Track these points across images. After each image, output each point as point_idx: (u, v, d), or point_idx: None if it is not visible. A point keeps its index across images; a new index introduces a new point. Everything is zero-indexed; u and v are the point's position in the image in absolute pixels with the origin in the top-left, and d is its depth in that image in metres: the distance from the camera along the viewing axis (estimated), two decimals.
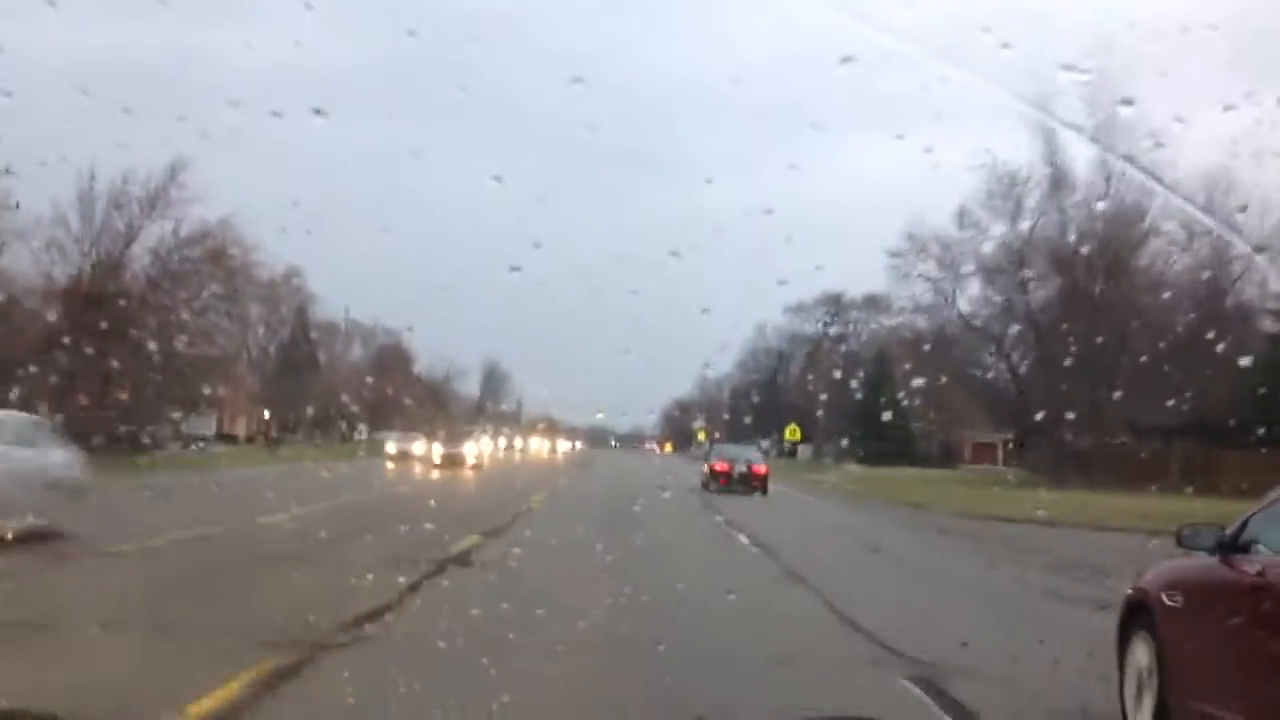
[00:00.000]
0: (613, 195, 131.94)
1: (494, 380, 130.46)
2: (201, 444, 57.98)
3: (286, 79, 66.38)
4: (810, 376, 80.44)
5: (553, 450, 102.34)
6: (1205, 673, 6.93)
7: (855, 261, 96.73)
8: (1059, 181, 54.40)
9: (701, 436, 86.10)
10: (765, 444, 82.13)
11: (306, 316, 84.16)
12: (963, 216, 58.22)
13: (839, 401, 73.75)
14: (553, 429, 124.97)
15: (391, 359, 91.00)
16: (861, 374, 76.67)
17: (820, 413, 74.46)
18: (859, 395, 73.93)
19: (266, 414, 74.07)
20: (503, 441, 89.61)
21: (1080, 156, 53.65)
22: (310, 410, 77.23)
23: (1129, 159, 53.59)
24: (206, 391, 51.96)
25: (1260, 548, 6.88)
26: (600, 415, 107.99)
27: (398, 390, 78.71)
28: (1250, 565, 6.79)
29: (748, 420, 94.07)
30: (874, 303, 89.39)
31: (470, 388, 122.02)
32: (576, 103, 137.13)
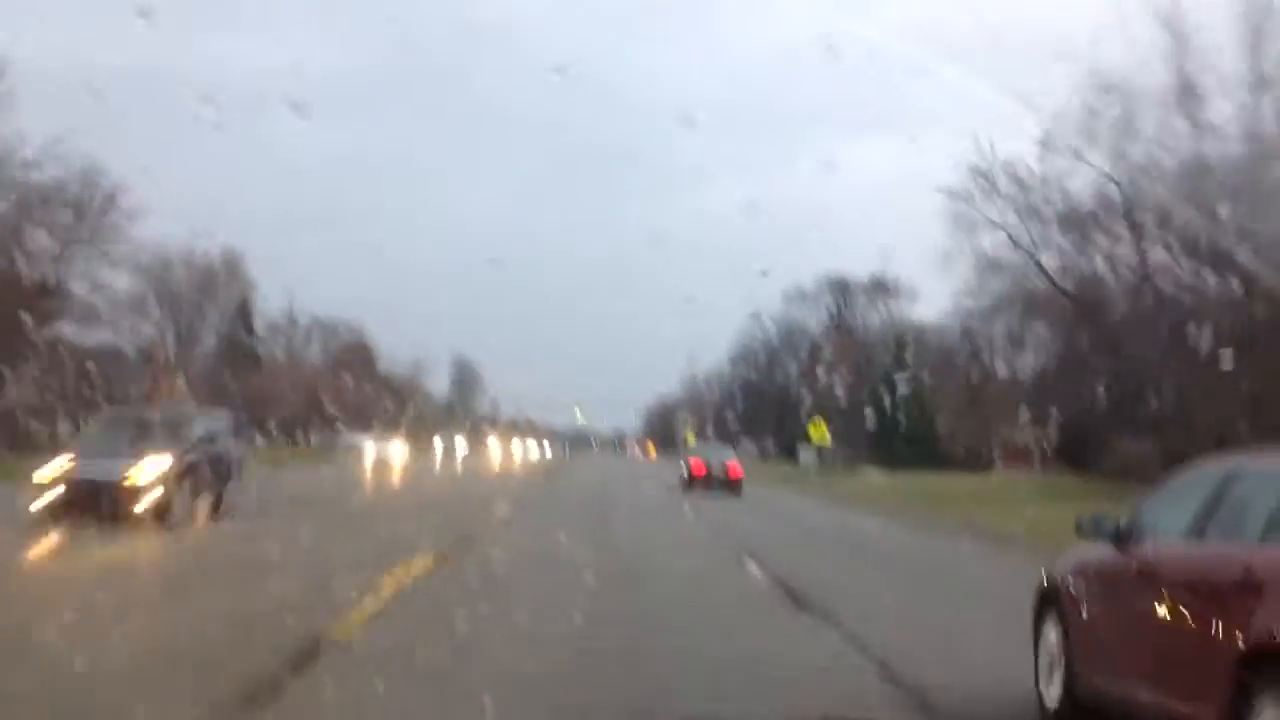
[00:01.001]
0: (599, 195, 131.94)
1: (464, 378, 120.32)
2: None
3: (275, 85, 68.55)
4: (816, 369, 71.78)
5: (512, 457, 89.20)
6: (1101, 649, 7.79)
7: (845, 259, 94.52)
8: (1188, 92, 36.93)
9: (690, 439, 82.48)
10: (751, 446, 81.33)
11: (249, 308, 77.13)
12: (1046, 145, 42.49)
13: (850, 398, 63.19)
14: (528, 429, 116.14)
15: (352, 356, 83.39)
16: (870, 363, 71.09)
17: (808, 408, 63.95)
18: (877, 391, 64.41)
19: None
20: (461, 445, 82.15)
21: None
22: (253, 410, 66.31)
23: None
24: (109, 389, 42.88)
25: (1148, 536, 7.74)
26: (580, 416, 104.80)
27: (357, 388, 71.07)
28: (1137, 552, 7.64)
29: (735, 419, 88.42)
30: (882, 287, 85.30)
31: (440, 385, 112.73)
32: (564, 103, 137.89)
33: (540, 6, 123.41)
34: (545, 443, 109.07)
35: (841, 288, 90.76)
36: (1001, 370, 60.80)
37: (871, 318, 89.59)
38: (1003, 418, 55.17)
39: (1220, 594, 6.45)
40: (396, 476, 47.80)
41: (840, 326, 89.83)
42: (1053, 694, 8.31)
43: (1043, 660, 8.55)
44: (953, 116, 67.90)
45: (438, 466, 65.51)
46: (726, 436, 79.21)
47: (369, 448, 62.21)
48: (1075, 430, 44.30)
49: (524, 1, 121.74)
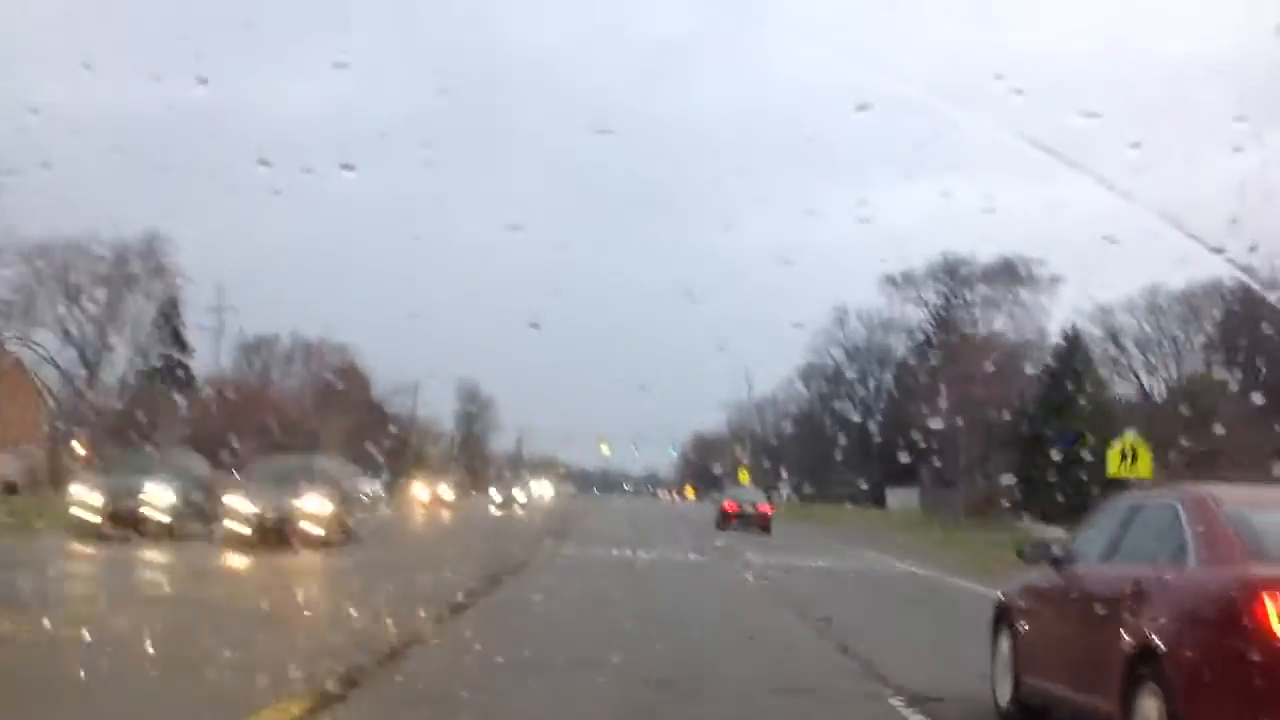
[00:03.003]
0: (631, 239, 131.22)
1: (473, 409, 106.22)
2: None
3: (316, 134, 69.48)
4: (929, 380, 56.28)
5: (507, 502, 65.20)
6: (1040, 654, 9.23)
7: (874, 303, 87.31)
8: None
9: (744, 477, 72.92)
10: (786, 490, 78.25)
11: (176, 313, 63.29)
12: None
13: (978, 418, 50.77)
14: (553, 470, 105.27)
15: (344, 382, 69.44)
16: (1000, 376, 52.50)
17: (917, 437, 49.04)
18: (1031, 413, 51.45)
19: (78, 447, 51.71)
20: (445, 490, 63.60)
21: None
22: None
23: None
24: None
25: (1079, 559, 9.17)
26: (606, 449, 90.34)
27: (335, 418, 59.33)
28: (1067, 572, 9.08)
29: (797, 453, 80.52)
30: (1011, 272, 68.72)
31: (442, 415, 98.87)
32: (597, 149, 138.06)
33: (582, 61, 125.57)
34: (545, 486, 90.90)
35: (950, 273, 74.75)
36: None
37: (993, 317, 71.30)
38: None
39: (1117, 605, 7.88)
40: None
41: (948, 324, 72.73)
42: (1003, 694, 9.73)
43: (997, 665, 9.98)
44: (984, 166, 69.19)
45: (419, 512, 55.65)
46: (776, 476, 77.03)
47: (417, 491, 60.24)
48: None
49: (564, 52, 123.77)
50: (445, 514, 51.87)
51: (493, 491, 70.71)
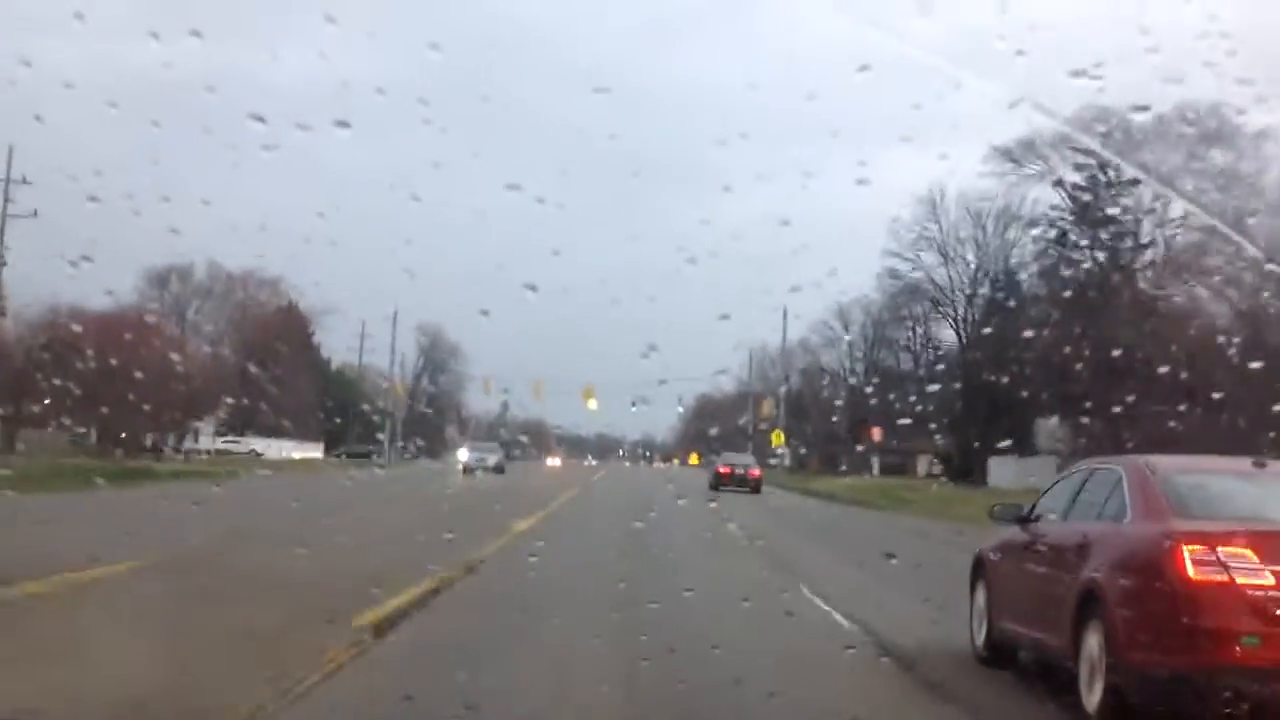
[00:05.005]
0: (629, 202, 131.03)
1: (437, 356, 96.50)
2: None
3: (311, 94, 69.60)
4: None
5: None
6: (1009, 601, 10.62)
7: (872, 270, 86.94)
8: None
9: (777, 440, 69.23)
10: (782, 451, 72.25)
11: None
12: None
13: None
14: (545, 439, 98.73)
15: (278, 327, 58.76)
16: None
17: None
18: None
19: None
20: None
21: None
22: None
23: (1144, 168, 45.55)
24: None
25: (1042, 517, 10.56)
26: (593, 405, 77.02)
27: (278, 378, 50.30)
28: (1033, 529, 10.48)
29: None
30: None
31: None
32: (594, 111, 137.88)
33: (579, 21, 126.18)
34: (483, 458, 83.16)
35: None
36: None
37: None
38: None
39: (1069, 556, 9.28)
40: None
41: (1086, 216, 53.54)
42: (980, 638, 11.14)
43: (975, 613, 11.37)
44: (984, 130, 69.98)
45: None
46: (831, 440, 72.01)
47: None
48: None
49: (564, 17, 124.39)
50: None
51: (462, 452, 64.06)
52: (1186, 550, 7.92)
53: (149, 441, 47.00)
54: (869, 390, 72.48)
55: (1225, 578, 7.78)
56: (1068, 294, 49.47)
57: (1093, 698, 8.39)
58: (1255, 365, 29.53)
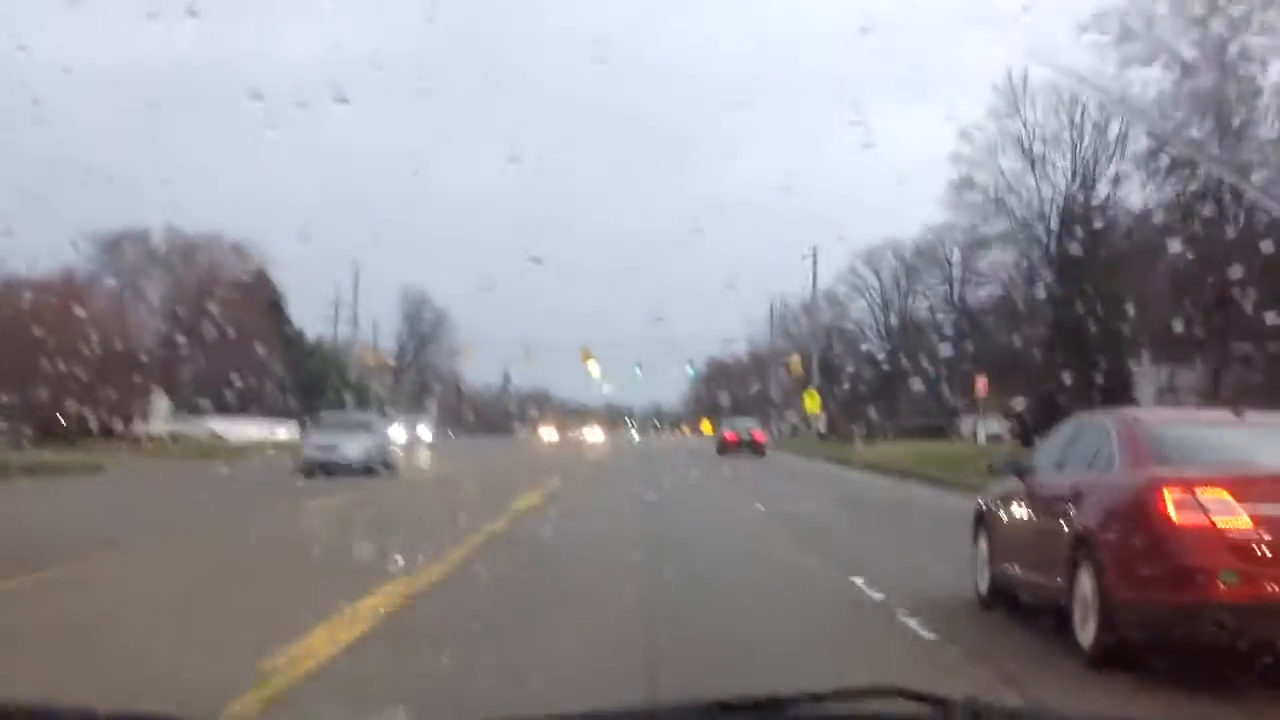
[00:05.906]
0: (632, 171, 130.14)
1: (420, 326, 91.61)
2: None
3: (309, 71, 67.59)
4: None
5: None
6: (1004, 547, 11.29)
7: (884, 230, 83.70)
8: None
9: (810, 404, 63.31)
10: (796, 419, 71.57)
11: None
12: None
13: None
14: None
15: (242, 296, 53.31)
16: None
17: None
18: None
19: None
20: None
21: None
22: None
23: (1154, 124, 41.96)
24: None
25: (1039, 470, 11.19)
26: (594, 372, 74.58)
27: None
28: (1029, 481, 11.11)
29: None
30: None
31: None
32: (595, 80, 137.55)
33: None
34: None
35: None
36: None
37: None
38: None
39: (1062, 504, 9.92)
40: None
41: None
42: (982, 584, 11.80)
43: (978, 561, 12.04)
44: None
45: None
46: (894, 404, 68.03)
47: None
48: None
49: None
50: None
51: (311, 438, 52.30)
52: (1168, 494, 8.54)
53: (93, 425, 40.58)
54: (948, 335, 65.49)
55: (1205, 519, 8.40)
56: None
57: (1086, 634, 9.04)
58: None
